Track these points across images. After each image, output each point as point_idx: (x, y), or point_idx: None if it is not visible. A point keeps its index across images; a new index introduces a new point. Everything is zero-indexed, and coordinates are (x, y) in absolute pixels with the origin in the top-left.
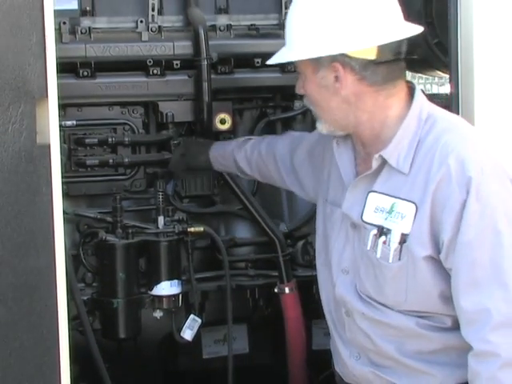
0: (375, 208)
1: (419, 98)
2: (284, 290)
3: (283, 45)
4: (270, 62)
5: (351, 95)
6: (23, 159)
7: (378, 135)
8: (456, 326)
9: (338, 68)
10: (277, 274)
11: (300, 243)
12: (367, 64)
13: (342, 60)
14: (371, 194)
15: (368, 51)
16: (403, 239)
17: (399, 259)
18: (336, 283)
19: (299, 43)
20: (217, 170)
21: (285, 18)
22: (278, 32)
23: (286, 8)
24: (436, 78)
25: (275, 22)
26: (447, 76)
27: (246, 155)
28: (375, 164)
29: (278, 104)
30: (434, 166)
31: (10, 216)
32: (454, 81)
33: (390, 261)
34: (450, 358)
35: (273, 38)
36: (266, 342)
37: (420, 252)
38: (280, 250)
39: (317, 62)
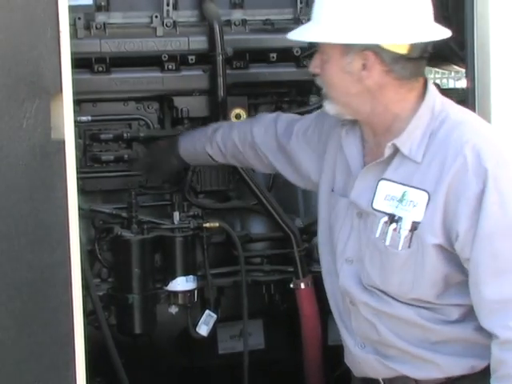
0: (386, 196)
1: (432, 91)
2: (300, 285)
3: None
4: (294, 37)
5: (374, 85)
6: (38, 155)
7: (389, 126)
8: (462, 319)
9: (370, 57)
10: (292, 269)
11: (316, 238)
12: (398, 58)
13: (375, 50)
14: (382, 182)
15: (401, 46)
16: (414, 227)
17: (409, 247)
18: (340, 273)
19: (333, 24)
20: (193, 165)
21: (300, 13)
22: (292, 27)
23: (301, 3)
24: (452, 73)
25: (290, 17)
26: (463, 70)
27: (219, 149)
28: (388, 152)
29: (294, 99)
30: (448, 156)
31: (25, 212)
32: (471, 75)
33: (400, 248)
34: (455, 349)
35: (288, 33)
36: (281, 338)
37: (430, 239)
38: (296, 245)
39: (347, 47)
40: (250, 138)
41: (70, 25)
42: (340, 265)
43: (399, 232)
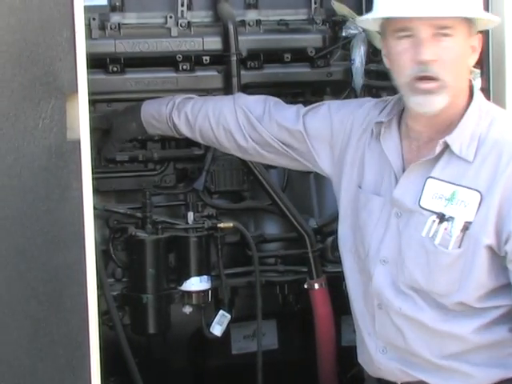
0: (434, 194)
1: (478, 91)
2: (314, 285)
3: (312, 40)
4: (429, 14)
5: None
6: (54, 155)
7: (448, 118)
8: (497, 321)
9: (480, 39)
10: (306, 269)
11: (330, 239)
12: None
13: (480, 32)
14: (430, 181)
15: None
16: (466, 227)
17: (459, 247)
18: (374, 274)
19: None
20: (150, 134)
21: (314, 13)
22: (307, 27)
23: (316, 3)
24: None
25: (304, 17)
26: (478, 71)
27: (187, 119)
28: (438, 149)
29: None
30: (503, 158)
31: (41, 211)
32: (486, 75)
33: (450, 248)
34: (482, 357)
35: (302, 33)
36: (295, 338)
37: (483, 240)
38: (310, 245)
39: (472, 27)
40: (231, 114)
41: (85, 25)
42: (373, 265)
43: (450, 231)
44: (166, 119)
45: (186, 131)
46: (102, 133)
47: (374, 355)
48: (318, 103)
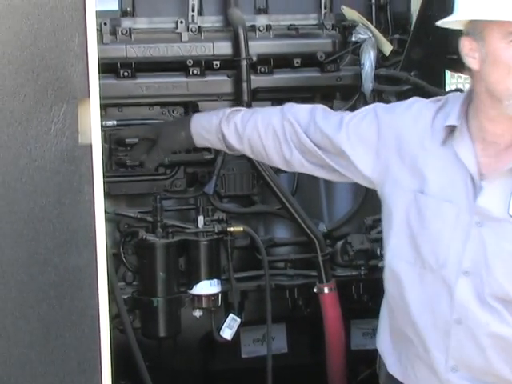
0: None
1: None
2: (323, 290)
3: (322, 45)
4: None
5: None
6: (65, 159)
7: None
8: None
9: None
10: (316, 273)
11: (339, 243)
12: None
13: None
14: None
15: None
16: None
17: None
18: (456, 287)
19: None
20: (198, 146)
21: (324, 18)
22: (317, 32)
23: (326, 8)
24: None
25: (315, 22)
26: None
27: (235, 129)
28: None
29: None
30: None
31: (53, 215)
32: None
33: None
34: None
35: (312, 38)
36: (304, 342)
37: None
38: (319, 249)
39: None
40: (279, 123)
41: (96, 30)
42: (454, 278)
43: None
44: (215, 129)
45: (234, 142)
46: (145, 144)
47: (442, 374)
48: (363, 108)
